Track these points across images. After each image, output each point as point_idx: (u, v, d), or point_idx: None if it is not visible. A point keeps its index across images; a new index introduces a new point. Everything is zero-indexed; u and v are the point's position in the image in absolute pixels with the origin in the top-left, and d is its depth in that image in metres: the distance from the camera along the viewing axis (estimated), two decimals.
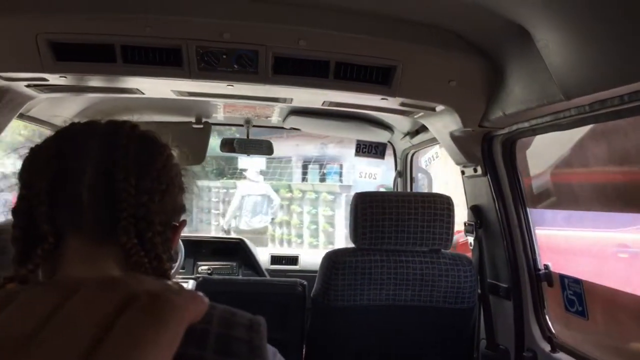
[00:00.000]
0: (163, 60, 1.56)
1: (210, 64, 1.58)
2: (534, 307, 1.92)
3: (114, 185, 0.65)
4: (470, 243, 2.16)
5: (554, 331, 1.86)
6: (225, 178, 9.18)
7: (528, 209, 1.94)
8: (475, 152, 1.99)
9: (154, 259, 0.66)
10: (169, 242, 0.71)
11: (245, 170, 7.75)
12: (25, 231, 0.65)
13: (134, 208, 0.65)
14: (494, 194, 1.97)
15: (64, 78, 1.63)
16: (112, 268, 0.66)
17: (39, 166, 0.67)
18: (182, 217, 0.78)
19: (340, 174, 8.69)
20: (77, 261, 0.65)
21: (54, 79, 1.63)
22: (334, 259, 1.91)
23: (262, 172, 7.93)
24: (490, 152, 1.96)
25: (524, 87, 1.48)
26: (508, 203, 1.95)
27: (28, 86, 1.74)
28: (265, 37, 1.53)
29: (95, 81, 1.76)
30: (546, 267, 1.89)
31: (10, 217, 0.71)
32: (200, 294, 0.30)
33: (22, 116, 2.11)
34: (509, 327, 1.98)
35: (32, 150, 0.70)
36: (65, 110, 2.53)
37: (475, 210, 2.12)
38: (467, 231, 2.17)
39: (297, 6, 1.49)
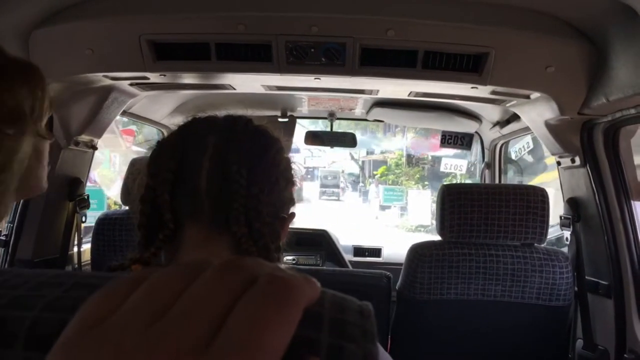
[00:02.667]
0: (254, 55, 1.61)
1: (299, 58, 1.60)
2: (638, 306, 1.79)
3: (227, 178, 0.70)
4: (567, 238, 2.04)
5: None
6: None
7: (633, 202, 1.81)
8: (574, 141, 1.88)
9: (262, 248, 0.70)
10: (277, 233, 0.75)
11: None
12: (150, 218, 0.72)
13: (245, 199, 0.69)
14: (594, 185, 1.86)
15: (163, 76, 1.73)
16: (223, 255, 0.70)
17: (164, 159, 0.73)
18: (291, 210, 0.81)
19: None
20: (194, 247, 0.70)
21: (154, 77, 1.74)
22: (419, 251, 1.88)
23: None
24: (591, 141, 1.84)
25: (632, 71, 1.37)
26: (610, 195, 1.83)
27: (131, 85, 1.87)
28: (353, 29, 1.53)
29: (190, 78, 1.86)
30: None
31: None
32: (314, 278, 0.31)
33: (124, 113, 2.26)
34: (609, 326, 1.86)
35: (158, 143, 0.77)
36: (163, 106, 2.69)
37: (573, 203, 2.01)
38: (563, 225, 2.06)
39: None
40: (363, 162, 22.13)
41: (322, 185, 22.41)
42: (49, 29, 1.49)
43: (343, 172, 23.03)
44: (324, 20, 1.51)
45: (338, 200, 21.88)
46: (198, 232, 0.71)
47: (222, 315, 0.25)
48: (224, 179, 0.70)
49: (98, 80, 1.74)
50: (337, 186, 22.52)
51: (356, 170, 23.72)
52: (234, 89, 2.00)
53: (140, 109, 2.51)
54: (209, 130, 0.74)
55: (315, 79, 1.77)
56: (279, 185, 0.75)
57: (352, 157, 22.48)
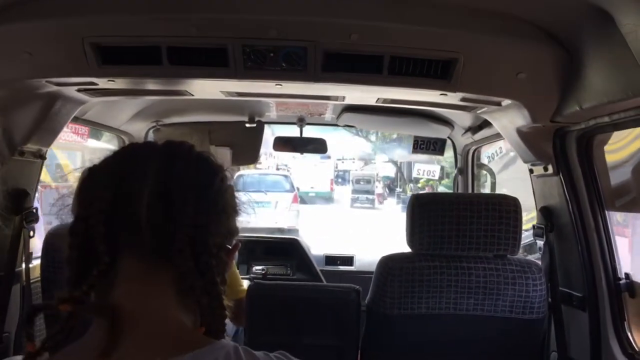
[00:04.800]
0: (209, 60, 1.53)
1: (257, 63, 1.52)
2: (613, 319, 1.74)
3: (171, 207, 0.66)
4: (540, 247, 2.00)
5: (636, 347, 1.68)
6: None
7: (607, 212, 1.76)
8: (546, 149, 1.83)
9: (208, 282, 0.67)
10: (223, 264, 0.72)
11: None
12: (81, 251, 0.66)
13: (191, 229, 0.66)
14: (567, 194, 1.81)
15: (112, 82, 1.63)
16: (165, 291, 0.67)
17: (98, 187, 0.68)
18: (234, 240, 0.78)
19: None
20: (131, 281, 0.66)
21: (103, 82, 1.64)
22: (389, 264, 1.81)
23: None
24: (563, 149, 1.80)
25: (605, 78, 1.32)
26: (583, 204, 1.78)
27: (79, 91, 1.75)
28: (314, 32, 1.46)
29: (144, 84, 1.76)
30: (627, 276, 1.72)
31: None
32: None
33: (77, 119, 2.14)
34: (584, 339, 1.81)
35: (90, 170, 0.71)
36: (122, 112, 2.58)
37: (546, 212, 1.96)
38: (536, 234, 2.01)
39: None
40: (401, 163, 19.92)
41: (354, 191, 20.45)
42: None
43: (377, 175, 21.26)
44: (283, 22, 1.43)
45: (372, 208, 19.93)
46: (137, 266, 0.66)
47: None
48: (168, 209, 0.66)
49: (41, 86, 1.62)
50: (372, 192, 20.50)
51: (392, 172, 21.56)
52: (192, 94, 1.90)
53: (96, 115, 2.38)
54: (149, 157, 0.70)
55: (276, 84, 1.68)
56: (225, 215, 0.73)
57: (390, 159, 20.55)
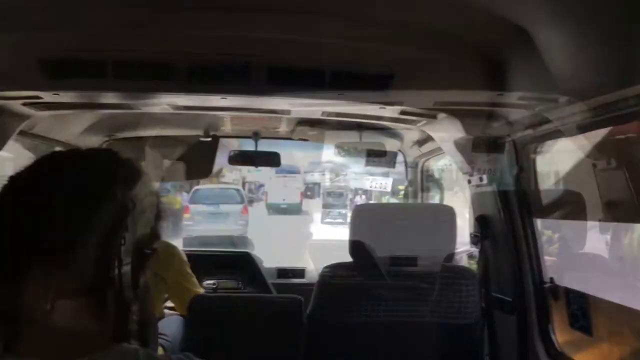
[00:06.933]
0: (154, 74, 1.54)
1: (201, 77, 1.54)
2: (539, 322, 1.84)
3: (72, 218, 0.66)
4: (471, 254, 2.09)
5: (559, 348, 1.78)
6: None
7: (534, 220, 1.87)
8: (481, 160, 1.92)
9: (112, 288, 0.66)
10: (134, 271, 0.71)
11: None
12: None
13: (91, 239, 0.66)
14: (499, 203, 1.91)
15: (57, 95, 1.63)
16: (69, 295, 0.65)
17: (11, 195, 0.69)
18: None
19: None
20: (36, 288, 0.64)
21: (48, 96, 1.63)
22: (329, 274, 1.87)
23: None
24: (496, 160, 1.89)
25: (528, 92, 1.42)
26: (515, 213, 1.88)
27: (24, 104, 1.73)
28: (257, 47, 1.50)
29: (91, 97, 1.76)
30: (551, 280, 1.81)
31: None
32: None
33: (24, 134, 2.10)
34: (513, 342, 1.90)
35: (10, 178, 0.71)
36: (73, 126, 2.53)
37: (481, 221, 2.05)
38: (473, 242, 2.11)
39: (288, 14, 1.44)
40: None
41: (325, 206, 18.97)
42: None
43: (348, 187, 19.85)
44: (227, 38, 1.47)
45: (345, 224, 18.82)
46: (42, 270, 0.65)
47: None
48: (68, 219, 0.66)
49: None
50: (345, 206, 18.32)
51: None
52: (139, 108, 1.92)
53: (44, 130, 2.32)
54: (54, 169, 0.72)
55: (222, 98, 1.72)
56: (134, 223, 0.70)
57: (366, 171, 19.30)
